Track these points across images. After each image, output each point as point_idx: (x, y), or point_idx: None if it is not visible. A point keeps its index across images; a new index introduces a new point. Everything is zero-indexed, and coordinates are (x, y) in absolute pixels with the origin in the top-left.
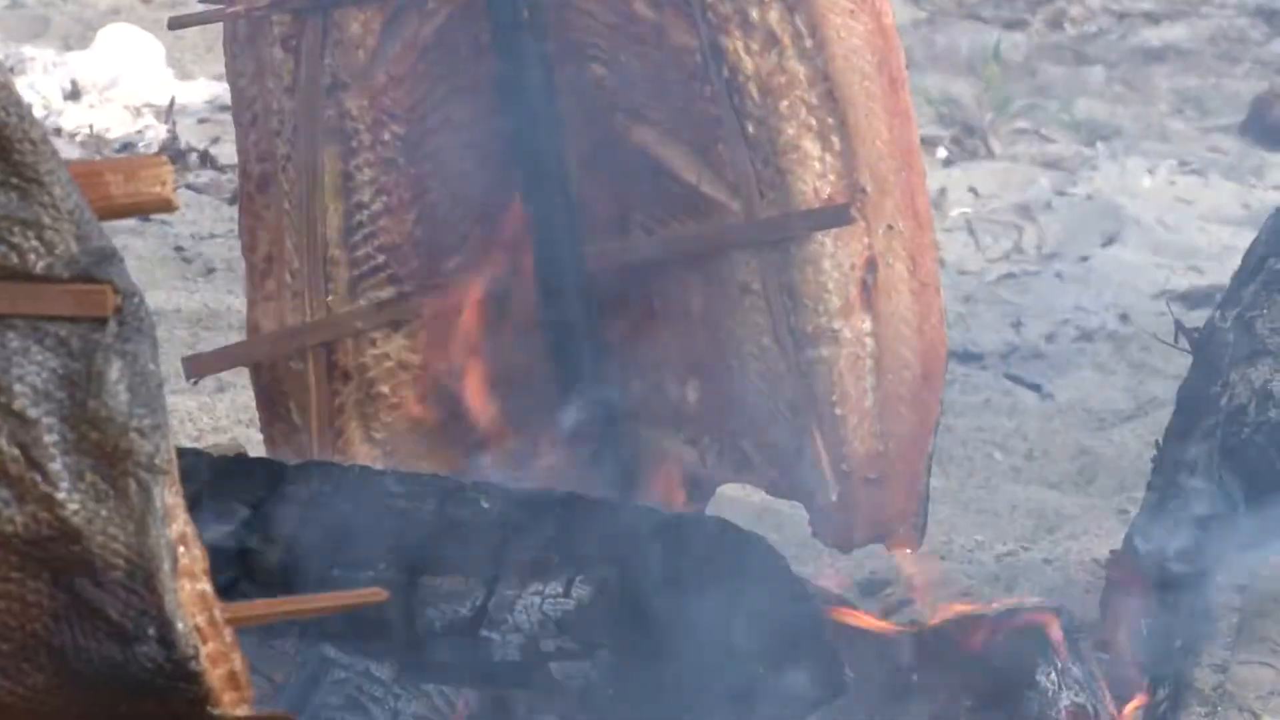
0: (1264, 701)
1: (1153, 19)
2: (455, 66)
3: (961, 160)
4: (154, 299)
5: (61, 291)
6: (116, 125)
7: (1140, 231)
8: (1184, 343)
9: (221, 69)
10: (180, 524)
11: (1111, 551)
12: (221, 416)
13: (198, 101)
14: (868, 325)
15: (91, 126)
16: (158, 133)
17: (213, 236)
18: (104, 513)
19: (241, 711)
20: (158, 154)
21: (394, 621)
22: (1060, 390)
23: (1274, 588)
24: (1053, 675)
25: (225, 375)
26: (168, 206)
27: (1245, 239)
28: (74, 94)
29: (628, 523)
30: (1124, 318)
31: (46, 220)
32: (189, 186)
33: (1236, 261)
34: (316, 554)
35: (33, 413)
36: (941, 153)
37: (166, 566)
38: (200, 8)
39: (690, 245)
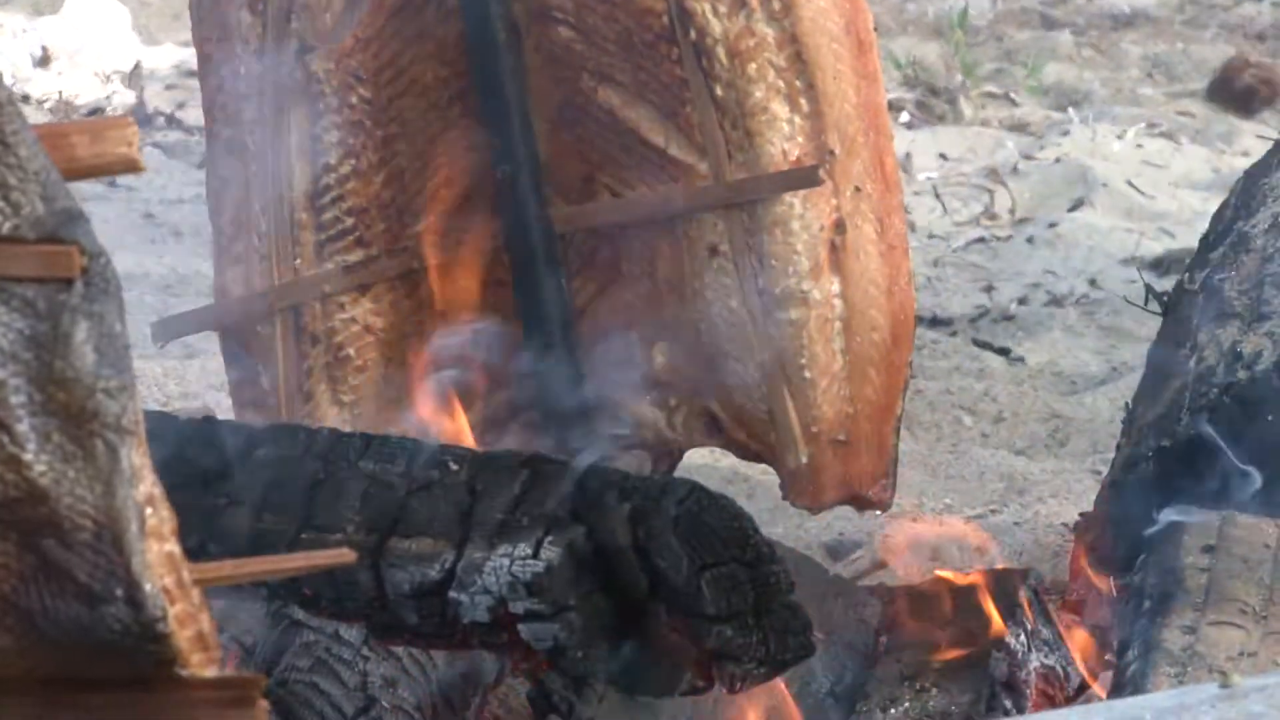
0: (1234, 662)
1: None
2: (422, 29)
3: (929, 124)
4: (122, 263)
5: (28, 253)
6: (85, 91)
7: (1110, 196)
8: (1153, 305)
9: (188, 34)
10: (148, 485)
11: (1081, 514)
12: (191, 382)
13: (165, 67)
14: (836, 287)
15: (60, 93)
16: (126, 98)
17: (180, 201)
18: (71, 474)
19: (209, 673)
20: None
21: (362, 584)
22: (1030, 354)
23: (1243, 548)
24: (1022, 637)
25: (194, 341)
26: (134, 166)
27: (1214, 203)
28: (43, 60)
29: (596, 484)
30: (1094, 282)
31: (12, 181)
32: (155, 145)
33: (1205, 226)
34: (285, 516)
35: None
36: (906, 116)
37: (134, 527)
38: None
39: (658, 208)
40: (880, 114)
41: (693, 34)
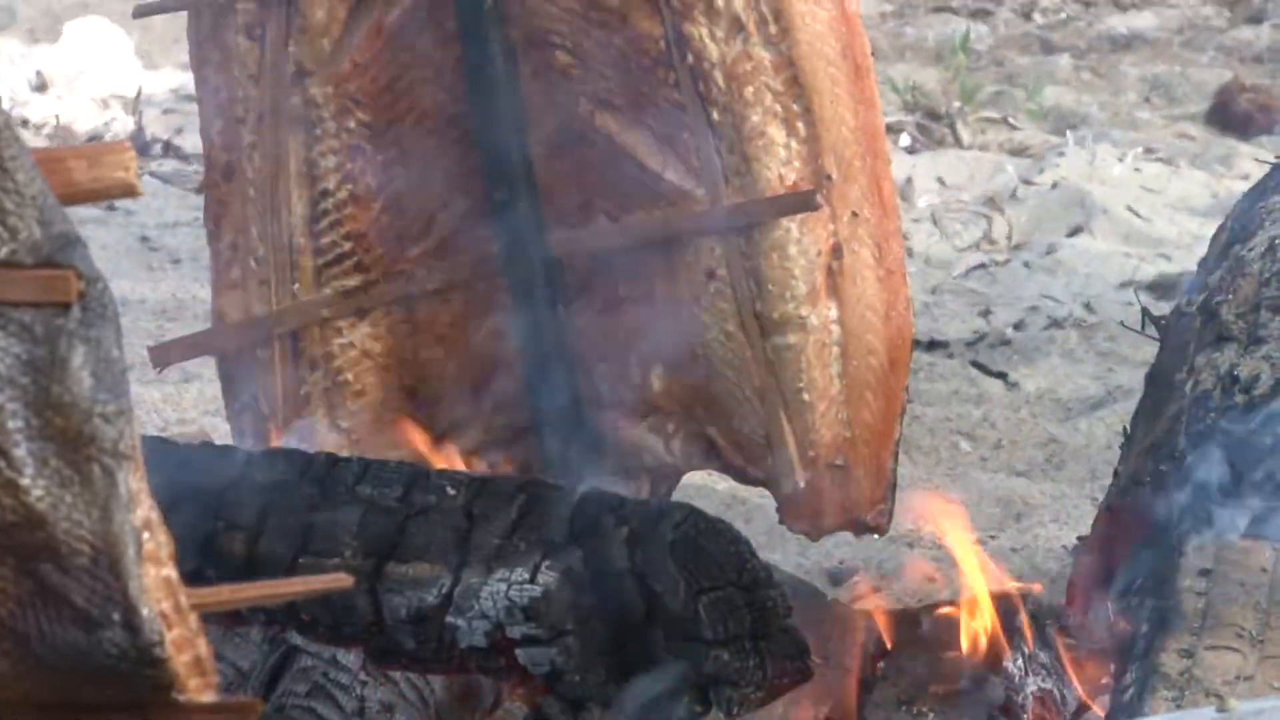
0: (1231, 686)
1: (1119, 7)
2: (420, 54)
3: (929, 149)
4: (119, 289)
5: (25, 277)
6: (83, 117)
7: (1108, 220)
8: (1151, 329)
9: (187, 60)
10: (145, 509)
11: (1079, 538)
12: (188, 407)
13: (164, 92)
14: (833, 312)
15: (58, 118)
16: (124, 124)
17: (178, 225)
18: (68, 498)
19: (206, 698)
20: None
21: (360, 609)
22: (1028, 379)
23: (1240, 572)
24: (1019, 662)
25: (191, 366)
26: (131, 191)
27: (1212, 227)
28: (41, 86)
29: (593, 509)
30: (1090, 306)
31: (9, 206)
32: (154, 175)
33: (1203, 250)
34: (282, 541)
35: None
36: (905, 140)
37: (131, 552)
38: None
39: (655, 232)
40: (878, 138)
41: (690, 58)
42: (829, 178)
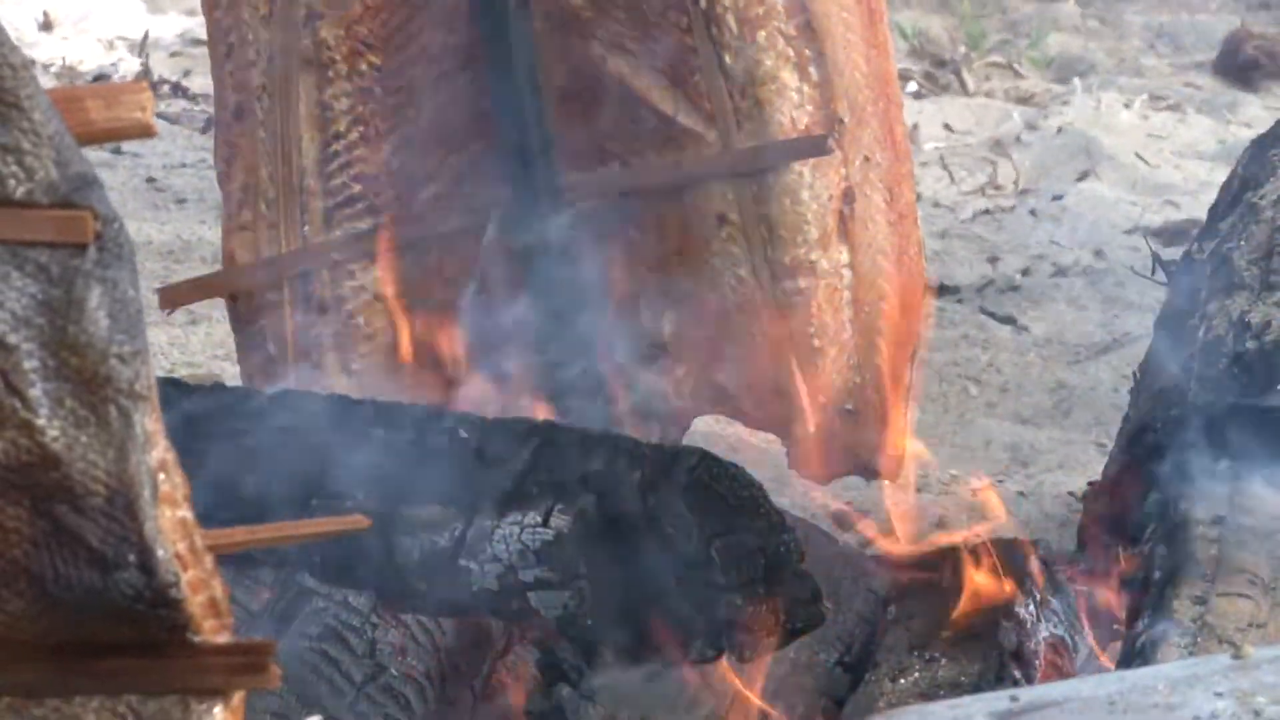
0: (1244, 633)
1: None
2: None
3: (935, 95)
4: None
5: (41, 217)
6: (89, 58)
7: (1115, 167)
8: (1160, 275)
9: (192, 4)
10: (160, 450)
11: (1090, 483)
12: (195, 351)
13: (170, 34)
14: (845, 257)
15: (64, 59)
16: (131, 65)
17: (184, 166)
18: (84, 439)
19: (221, 639)
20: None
21: (372, 551)
22: (1035, 324)
23: (1252, 519)
24: (1031, 607)
25: (198, 308)
26: (147, 132)
27: (1220, 175)
28: (46, 26)
29: (606, 452)
30: (1098, 253)
31: (26, 145)
32: (160, 115)
33: (1211, 197)
34: (295, 484)
35: (12, 339)
36: (912, 86)
37: (147, 493)
38: None
39: (667, 176)
40: (890, 83)
41: (702, 2)
42: (841, 122)
